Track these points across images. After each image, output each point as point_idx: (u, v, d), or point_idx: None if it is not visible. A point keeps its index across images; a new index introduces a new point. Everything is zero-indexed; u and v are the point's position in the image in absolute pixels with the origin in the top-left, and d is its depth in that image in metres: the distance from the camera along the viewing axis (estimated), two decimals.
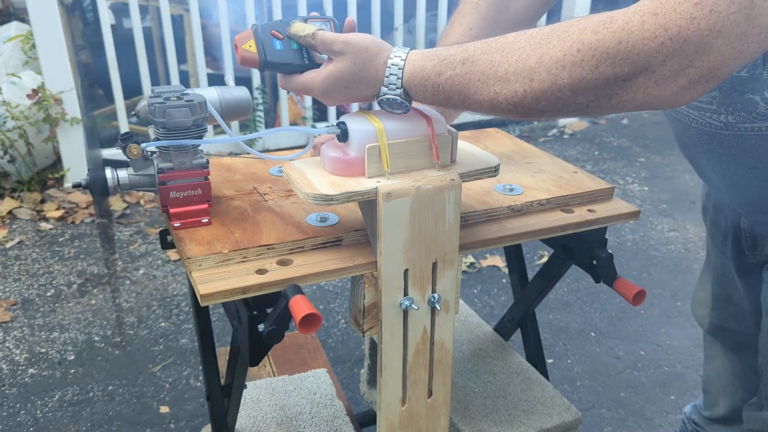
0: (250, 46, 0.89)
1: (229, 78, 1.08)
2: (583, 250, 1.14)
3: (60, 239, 3.01)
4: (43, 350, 2.27)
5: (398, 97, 0.86)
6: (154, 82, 3.92)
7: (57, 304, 2.53)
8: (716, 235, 1.28)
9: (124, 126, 3.54)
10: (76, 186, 0.96)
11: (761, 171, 0.94)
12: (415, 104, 1.10)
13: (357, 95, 0.89)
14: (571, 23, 0.75)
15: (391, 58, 0.85)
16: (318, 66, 0.90)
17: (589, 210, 1.10)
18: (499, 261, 2.83)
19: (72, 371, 2.17)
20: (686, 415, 1.67)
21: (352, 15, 3.78)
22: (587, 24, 0.73)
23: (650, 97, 0.72)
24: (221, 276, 0.86)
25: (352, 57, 0.86)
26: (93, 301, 2.55)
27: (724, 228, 1.24)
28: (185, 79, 3.90)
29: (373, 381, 1.61)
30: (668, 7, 0.67)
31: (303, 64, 0.91)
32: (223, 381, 1.26)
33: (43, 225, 3.12)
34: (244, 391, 1.34)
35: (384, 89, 0.86)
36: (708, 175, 1.07)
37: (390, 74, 0.85)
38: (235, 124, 3.74)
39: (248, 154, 1.06)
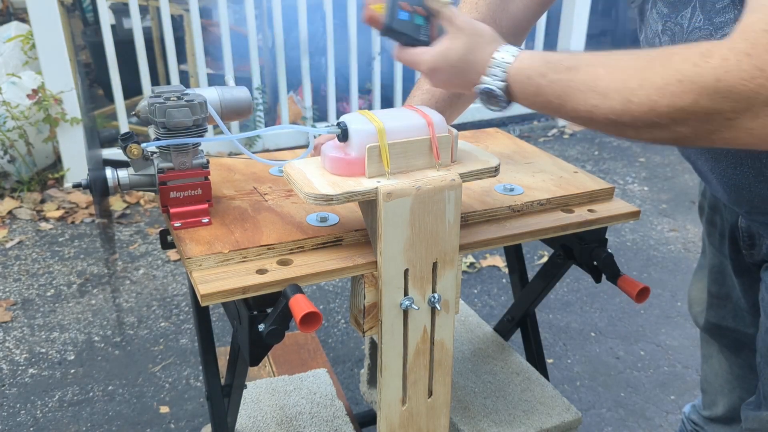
0: (378, 8, 0.91)
1: (230, 78, 1.08)
2: (583, 250, 1.14)
3: (60, 239, 3.01)
4: (43, 350, 2.27)
5: (498, 89, 0.86)
6: (154, 82, 3.92)
7: (57, 304, 2.53)
8: (713, 234, 1.28)
9: (124, 126, 3.54)
10: (77, 186, 0.96)
11: (760, 171, 0.93)
12: (415, 104, 1.11)
13: (461, 78, 0.89)
14: (676, 50, 0.74)
15: (499, 51, 0.86)
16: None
17: (589, 210, 1.10)
18: (499, 261, 2.83)
19: (72, 371, 2.17)
20: (685, 415, 1.67)
21: (352, 14, 3.78)
22: (689, 54, 0.71)
23: (756, 139, 0.70)
24: (221, 276, 0.86)
25: (467, 38, 0.87)
26: (93, 301, 2.55)
27: (721, 227, 1.23)
28: (185, 79, 3.90)
29: (373, 381, 1.61)
30: (761, 48, 0.66)
31: (419, 40, 0.93)
32: (223, 381, 1.26)
33: (43, 225, 3.12)
34: (244, 391, 1.34)
35: (486, 78, 0.86)
36: (706, 175, 1.07)
37: (495, 65, 0.86)
38: (234, 124, 3.74)
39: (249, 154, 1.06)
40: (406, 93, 4.09)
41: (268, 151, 3.80)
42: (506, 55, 0.86)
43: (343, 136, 0.88)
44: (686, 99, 0.71)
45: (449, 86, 0.93)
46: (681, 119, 0.73)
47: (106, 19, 3.34)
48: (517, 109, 4.52)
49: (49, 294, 2.60)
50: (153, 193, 0.98)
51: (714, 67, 0.69)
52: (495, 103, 0.88)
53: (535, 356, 1.46)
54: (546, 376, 1.44)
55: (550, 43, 4.52)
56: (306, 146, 1.06)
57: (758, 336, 1.12)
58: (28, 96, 3.28)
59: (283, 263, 0.90)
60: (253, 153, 1.04)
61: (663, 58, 0.74)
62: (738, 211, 1.10)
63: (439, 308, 0.94)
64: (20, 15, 4.55)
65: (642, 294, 1.08)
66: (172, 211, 0.95)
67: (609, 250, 1.13)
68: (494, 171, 0.94)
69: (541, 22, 4.34)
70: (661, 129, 0.75)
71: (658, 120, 0.74)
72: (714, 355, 1.47)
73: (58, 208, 3.24)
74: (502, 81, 0.86)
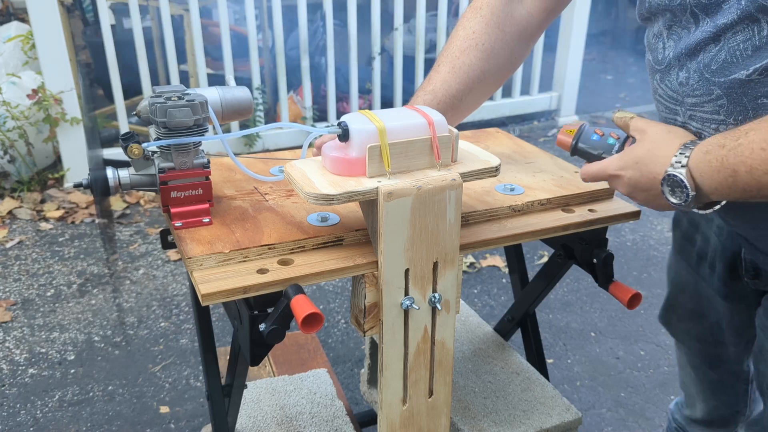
0: (570, 132, 1.07)
1: (230, 78, 1.08)
2: (584, 249, 1.15)
3: (60, 239, 3.01)
4: (43, 350, 2.27)
5: (681, 175, 0.84)
6: (154, 82, 3.92)
7: (57, 304, 2.53)
8: (689, 252, 1.25)
9: (124, 126, 3.54)
10: (78, 186, 0.96)
11: None
12: (415, 104, 1.11)
13: (644, 172, 0.89)
14: None
15: (687, 144, 0.86)
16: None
17: (589, 210, 1.10)
18: (499, 261, 2.83)
19: (72, 371, 2.17)
20: (671, 412, 1.65)
21: (352, 15, 3.78)
22: None
23: None
24: (222, 276, 0.86)
25: (653, 135, 0.89)
26: (93, 301, 2.55)
27: (701, 248, 1.20)
28: (185, 79, 3.90)
29: (373, 381, 1.61)
30: None
31: (610, 155, 1.01)
32: (223, 381, 1.26)
33: (43, 225, 3.12)
34: (245, 391, 1.34)
35: (669, 168, 0.85)
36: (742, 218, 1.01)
37: (680, 153, 0.85)
38: (234, 124, 3.74)
39: (249, 154, 1.06)
40: (406, 93, 4.10)
41: (268, 150, 3.80)
42: (691, 145, 0.85)
43: (344, 135, 0.88)
44: None
45: (635, 188, 0.92)
46: None
47: (106, 19, 3.34)
48: (517, 109, 4.53)
49: (49, 294, 2.60)
50: (153, 193, 0.98)
51: None
52: (679, 190, 0.85)
53: (535, 356, 1.46)
54: (546, 376, 1.44)
55: (550, 43, 4.52)
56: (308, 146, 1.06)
57: (763, 360, 1.08)
58: (28, 96, 3.28)
59: (284, 263, 0.90)
60: (253, 153, 1.04)
61: None
62: (744, 241, 1.05)
63: (439, 308, 0.94)
64: (20, 15, 4.55)
65: (634, 300, 1.07)
66: (173, 210, 0.95)
67: (609, 250, 1.13)
68: (495, 171, 0.94)
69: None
70: None
71: None
72: (686, 366, 1.45)
73: (58, 208, 3.24)
74: (684, 166, 0.84)
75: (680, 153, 0.85)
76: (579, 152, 1.06)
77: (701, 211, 0.89)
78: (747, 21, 0.79)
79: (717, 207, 0.89)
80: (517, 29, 1.14)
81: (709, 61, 0.85)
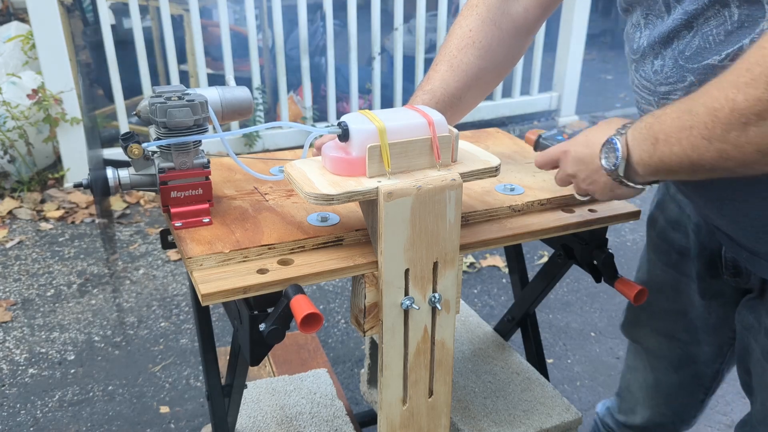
0: (537, 131, 1.23)
1: (230, 78, 1.08)
2: (584, 250, 1.15)
3: (60, 239, 3.01)
4: (43, 350, 2.27)
5: (617, 141, 0.88)
6: (154, 82, 3.92)
7: (57, 304, 2.53)
8: (667, 252, 1.24)
9: (124, 126, 3.54)
10: (78, 186, 0.96)
11: (763, 188, 0.86)
12: (414, 103, 1.11)
13: (589, 144, 0.95)
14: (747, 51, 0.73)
15: (635, 119, 0.90)
16: None
17: (589, 210, 1.10)
18: (499, 261, 2.83)
19: (72, 371, 2.17)
20: (599, 416, 1.63)
21: (352, 15, 3.78)
22: (760, 44, 0.70)
23: None
24: (222, 275, 0.86)
25: (607, 120, 0.98)
26: (93, 301, 2.55)
27: (681, 246, 1.20)
28: (185, 79, 3.90)
29: (373, 381, 1.61)
30: None
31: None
32: (223, 381, 1.26)
33: (43, 225, 3.12)
34: (245, 391, 1.35)
35: (610, 135, 0.90)
36: (688, 193, 1.03)
37: (624, 124, 0.90)
38: (234, 124, 3.75)
39: (249, 154, 1.06)
40: (406, 93, 4.10)
41: (268, 150, 3.80)
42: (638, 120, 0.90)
43: (344, 135, 0.88)
44: (760, 86, 0.69)
45: (579, 163, 0.98)
46: (761, 110, 0.70)
47: (106, 19, 3.34)
48: (517, 109, 4.53)
49: (49, 294, 2.60)
50: (153, 193, 0.98)
51: None
52: (612, 158, 0.89)
53: (535, 356, 1.46)
54: (546, 376, 1.44)
55: (551, 43, 4.52)
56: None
57: (752, 359, 1.09)
58: (28, 96, 3.28)
59: (284, 263, 0.90)
60: (253, 153, 1.04)
61: (737, 62, 0.72)
62: (726, 237, 1.04)
63: (439, 308, 0.94)
64: (20, 15, 4.55)
65: (640, 296, 1.08)
66: (173, 210, 0.95)
67: (609, 250, 1.13)
68: (495, 171, 0.94)
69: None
70: (756, 133, 0.71)
71: (746, 120, 0.71)
72: (641, 369, 1.44)
73: (58, 208, 3.24)
74: (622, 134, 0.88)
75: (625, 125, 0.90)
76: (540, 147, 1.18)
77: (638, 186, 0.91)
78: (717, 6, 0.79)
79: (652, 184, 0.93)
80: (514, 26, 1.14)
81: (683, 47, 0.85)
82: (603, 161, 0.91)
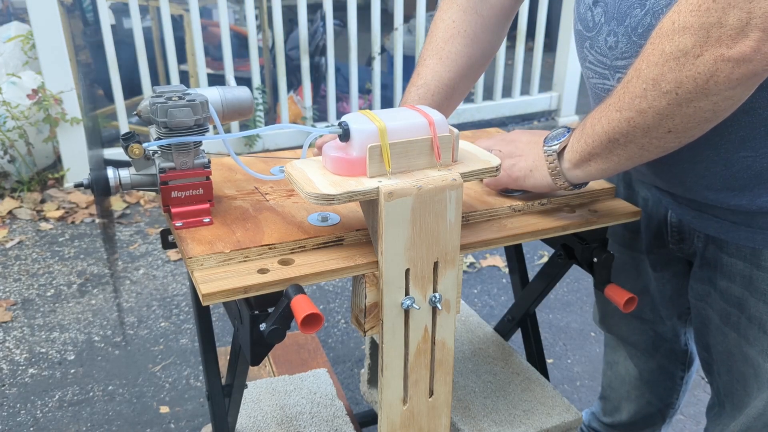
0: None
1: (230, 78, 1.08)
2: (584, 250, 1.15)
3: (60, 239, 3.01)
4: (43, 350, 2.27)
5: (570, 127, 0.96)
6: (154, 82, 3.92)
7: (57, 304, 2.53)
8: (619, 233, 1.30)
9: (124, 126, 3.54)
10: (78, 185, 0.96)
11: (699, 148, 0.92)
12: (412, 101, 1.11)
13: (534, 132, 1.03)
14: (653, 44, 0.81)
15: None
16: None
17: (590, 210, 1.10)
18: (499, 261, 2.83)
19: (72, 371, 2.17)
20: (584, 423, 1.65)
21: (352, 15, 3.79)
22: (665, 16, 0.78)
23: (732, 63, 0.73)
24: (223, 275, 0.86)
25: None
26: (93, 301, 2.55)
27: (631, 224, 1.24)
28: (185, 79, 3.90)
29: (373, 381, 1.61)
30: None
31: None
32: (223, 381, 1.26)
33: (43, 225, 3.12)
34: (245, 391, 1.35)
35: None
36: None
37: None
38: (234, 124, 3.75)
39: (249, 154, 1.06)
40: None
41: (268, 150, 3.80)
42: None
43: (345, 135, 0.88)
44: (655, 53, 0.78)
45: (520, 134, 1.05)
46: (660, 77, 0.79)
47: (106, 19, 3.34)
48: (517, 109, 4.53)
49: (49, 294, 2.60)
50: (154, 193, 0.98)
51: (667, 15, 0.78)
52: (560, 136, 0.97)
53: (535, 356, 1.46)
54: (546, 376, 1.44)
55: (550, 43, 4.52)
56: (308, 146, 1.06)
57: (710, 332, 1.11)
58: (28, 96, 3.28)
59: (285, 263, 0.90)
60: (254, 153, 1.04)
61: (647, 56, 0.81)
62: (667, 197, 1.10)
63: (440, 308, 0.94)
64: (20, 15, 4.55)
65: (629, 303, 1.08)
66: (173, 210, 0.95)
67: (610, 251, 1.13)
68: (495, 171, 0.94)
69: (542, 23, 4.34)
70: (668, 102, 0.79)
71: (654, 92, 0.80)
72: (621, 362, 1.47)
73: (58, 208, 3.24)
74: (564, 133, 0.97)
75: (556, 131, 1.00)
76: None
77: (558, 178, 0.98)
78: None
79: (568, 189, 1.00)
80: (493, 11, 1.16)
81: (635, 24, 0.90)
82: (549, 138, 0.98)
